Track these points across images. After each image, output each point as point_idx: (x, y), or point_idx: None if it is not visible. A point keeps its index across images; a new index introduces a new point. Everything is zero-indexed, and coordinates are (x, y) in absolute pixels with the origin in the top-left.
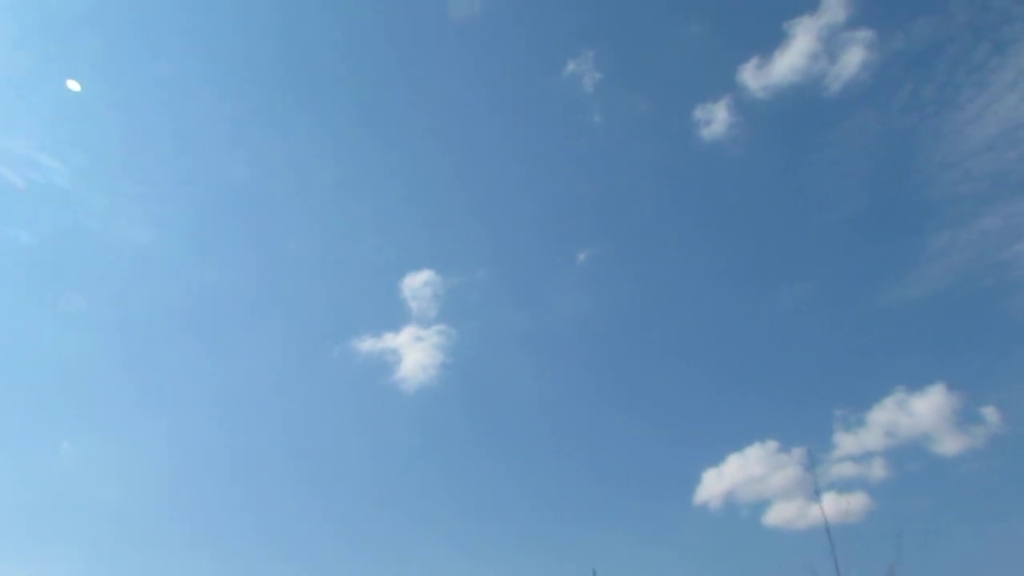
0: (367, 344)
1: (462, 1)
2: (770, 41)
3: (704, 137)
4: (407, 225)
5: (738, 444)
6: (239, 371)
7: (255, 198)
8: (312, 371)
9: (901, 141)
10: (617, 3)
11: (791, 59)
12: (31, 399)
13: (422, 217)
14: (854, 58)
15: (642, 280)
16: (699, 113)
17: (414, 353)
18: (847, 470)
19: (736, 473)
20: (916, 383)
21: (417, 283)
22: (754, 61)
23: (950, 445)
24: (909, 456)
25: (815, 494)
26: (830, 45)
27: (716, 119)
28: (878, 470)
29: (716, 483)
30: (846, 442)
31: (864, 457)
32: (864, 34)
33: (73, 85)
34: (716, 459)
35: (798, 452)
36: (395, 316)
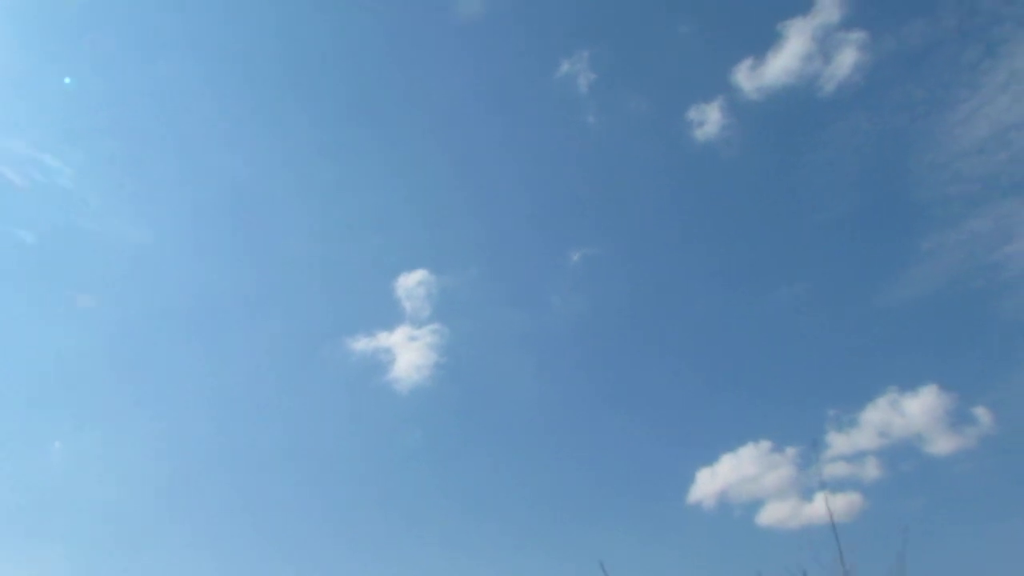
0: (361, 343)
1: (457, 1)
2: (764, 42)
3: (698, 138)
4: (401, 224)
5: (731, 444)
6: (233, 370)
7: (251, 198)
8: (306, 370)
9: (893, 142)
10: (612, 3)
11: (785, 60)
12: (27, 398)
13: (416, 216)
14: (847, 59)
15: (636, 280)
16: (693, 114)
17: (408, 353)
18: (840, 470)
19: (729, 473)
20: (908, 383)
21: (411, 282)
22: (748, 62)
23: (942, 445)
24: (902, 456)
25: (819, 489)
26: (823, 46)
27: (710, 120)
28: (871, 470)
29: (710, 483)
30: (839, 442)
31: (857, 457)
32: (857, 35)
33: (68, 81)
34: (710, 459)
35: (791, 452)
36: (389, 315)
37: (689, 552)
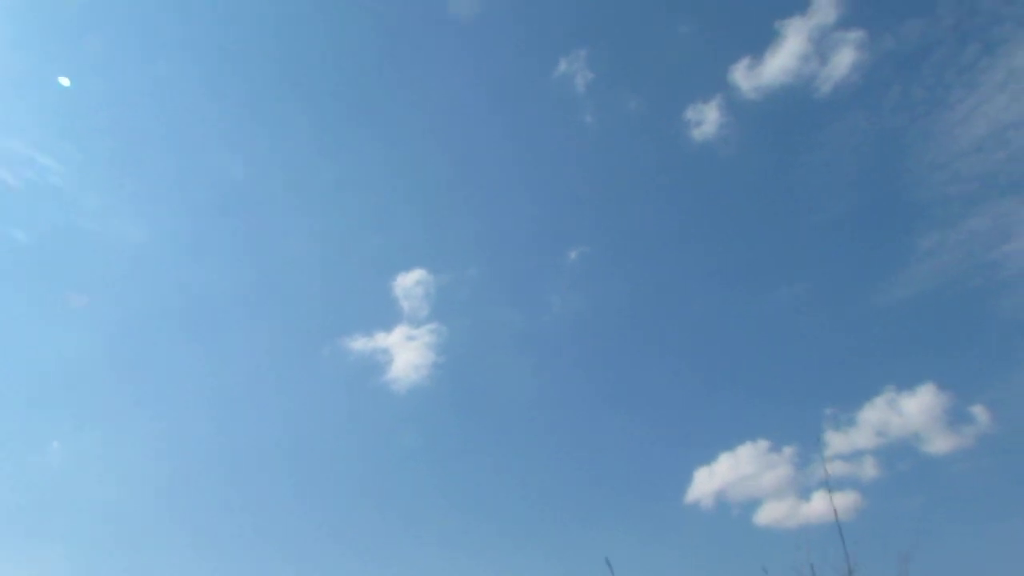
0: (359, 343)
1: (455, 0)
2: (761, 41)
3: (695, 137)
4: (399, 224)
5: (729, 443)
6: (230, 370)
7: (249, 197)
8: (303, 370)
9: (891, 142)
10: (609, 3)
11: (782, 60)
12: (24, 398)
13: (414, 216)
14: (845, 59)
15: (634, 279)
16: (690, 113)
17: (406, 352)
18: (837, 469)
19: (727, 472)
20: (906, 383)
21: (408, 282)
22: (745, 61)
23: (940, 444)
24: (899, 455)
25: (823, 486)
26: (821, 46)
27: (707, 119)
28: (868, 469)
29: (707, 482)
30: (836, 441)
31: (854, 456)
32: (855, 35)
33: (63, 81)
34: (708, 458)
35: (789, 451)
36: (386, 315)
37: (687, 551)
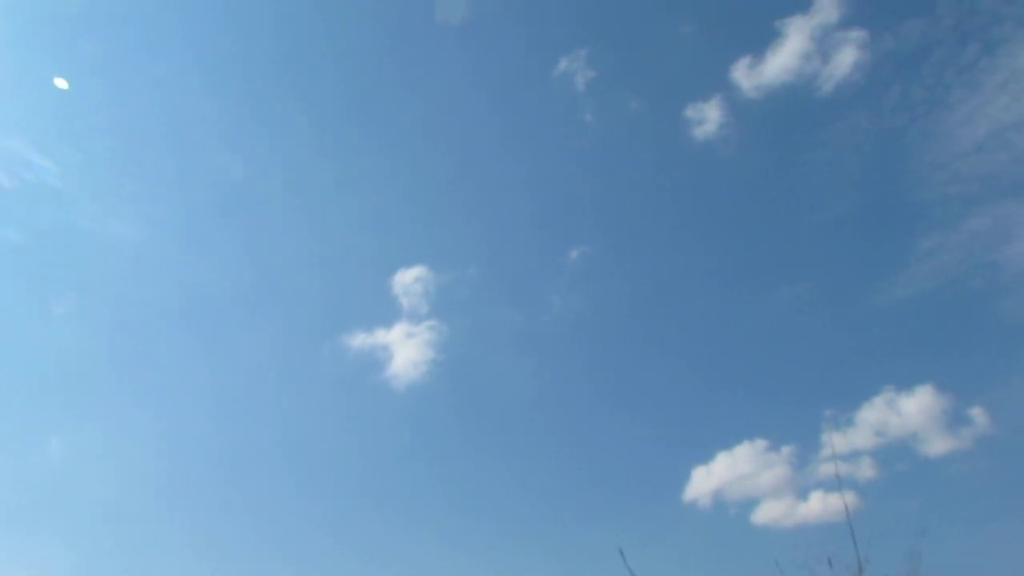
0: (358, 340)
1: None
2: (762, 40)
3: (696, 136)
4: (398, 221)
5: (727, 442)
6: (229, 367)
7: (247, 196)
8: (303, 367)
9: (892, 142)
10: (610, 1)
11: (783, 59)
12: (21, 397)
13: (414, 213)
14: (846, 58)
15: (633, 278)
16: (691, 112)
17: (405, 349)
18: (835, 469)
19: (725, 471)
20: (905, 383)
21: (408, 279)
22: (746, 60)
23: (938, 446)
24: (897, 456)
25: (831, 484)
26: (822, 45)
27: (708, 118)
28: (866, 469)
29: (705, 481)
30: (835, 441)
31: (852, 456)
32: (857, 34)
33: (60, 83)
34: (705, 457)
35: (787, 451)
36: (386, 312)
37: (684, 550)
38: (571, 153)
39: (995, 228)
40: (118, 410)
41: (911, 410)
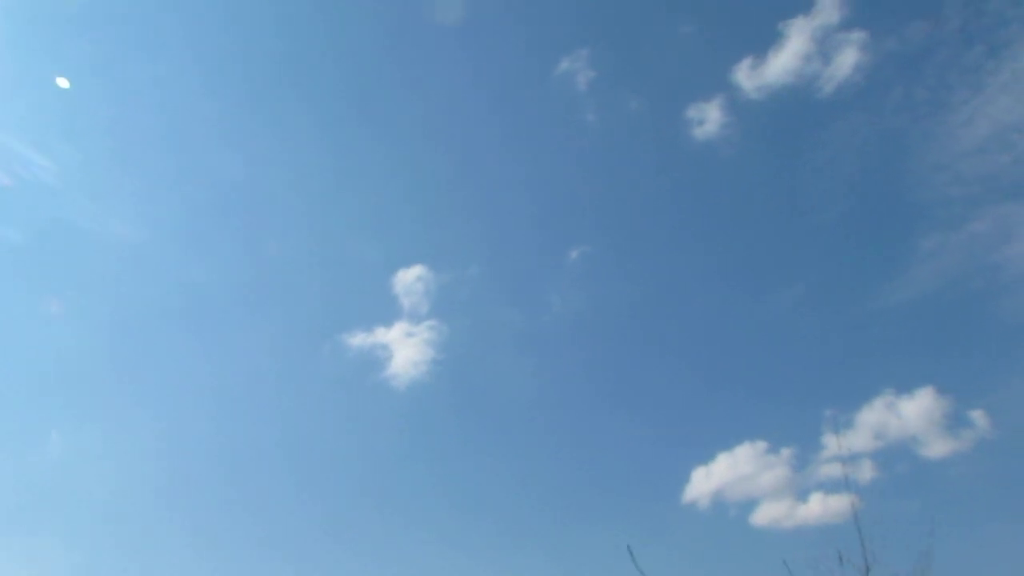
0: (358, 339)
1: None
2: (764, 41)
3: (697, 137)
4: (399, 221)
5: (727, 443)
6: (229, 367)
7: (247, 195)
8: (303, 367)
9: (894, 143)
10: (611, 1)
11: (785, 60)
12: (20, 396)
13: (414, 213)
14: (848, 59)
15: (634, 278)
16: (692, 112)
17: (405, 349)
18: (835, 470)
19: (725, 472)
20: (905, 385)
21: (409, 278)
22: (748, 61)
23: (938, 448)
24: (897, 458)
25: (839, 484)
26: (824, 46)
27: (709, 119)
28: (866, 471)
29: (705, 482)
30: (834, 443)
31: (852, 458)
32: (858, 35)
33: (62, 82)
34: (705, 458)
35: (786, 452)
36: (386, 311)
37: (683, 551)
38: (571, 153)
39: (996, 229)
40: (118, 410)
41: (911, 412)
